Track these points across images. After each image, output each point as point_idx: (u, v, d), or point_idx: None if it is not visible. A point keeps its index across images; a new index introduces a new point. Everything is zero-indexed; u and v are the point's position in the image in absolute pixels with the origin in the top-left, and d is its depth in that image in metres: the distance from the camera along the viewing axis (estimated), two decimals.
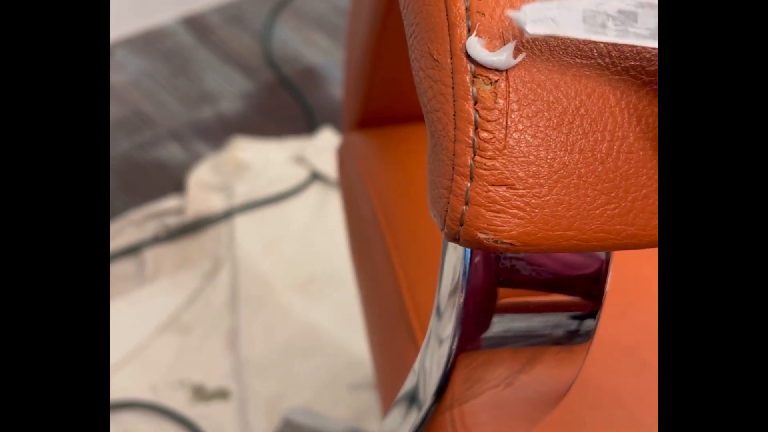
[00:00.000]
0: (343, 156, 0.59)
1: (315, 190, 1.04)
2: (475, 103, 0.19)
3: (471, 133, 0.19)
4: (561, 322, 0.24)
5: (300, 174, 1.05)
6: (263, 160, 1.06)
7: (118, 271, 0.95)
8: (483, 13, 0.19)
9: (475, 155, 0.19)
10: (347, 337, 0.90)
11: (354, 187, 0.55)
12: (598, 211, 0.20)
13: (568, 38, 0.20)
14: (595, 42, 0.19)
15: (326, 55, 1.23)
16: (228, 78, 1.18)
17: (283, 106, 1.15)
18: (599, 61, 0.20)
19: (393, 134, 0.56)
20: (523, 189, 0.19)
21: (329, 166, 1.05)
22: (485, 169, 0.19)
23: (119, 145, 1.08)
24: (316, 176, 1.05)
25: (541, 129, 0.19)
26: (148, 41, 1.23)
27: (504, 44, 0.19)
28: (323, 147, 1.08)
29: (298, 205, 1.03)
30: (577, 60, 0.20)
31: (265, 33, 1.25)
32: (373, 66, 0.53)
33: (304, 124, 1.13)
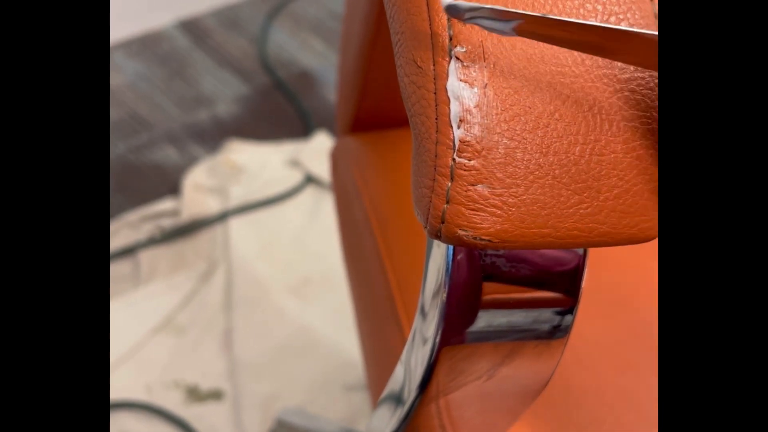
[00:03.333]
0: (337, 159, 0.60)
1: (309, 193, 1.05)
2: (456, 107, 0.20)
3: (452, 136, 0.20)
4: (539, 317, 0.25)
5: (295, 177, 1.06)
6: (258, 163, 1.07)
7: (113, 272, 0.95)
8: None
9: (455, 156, 0.20)
10: (341, 338, 0.90)
11: (347, 190, 0.56)
12: (571, 210, 0.21)
13: (546, 47, 0.21)
14: (570, 51, 0.20)
15: (321, 59, 1.24)
16: (224, 81, 1.19)
17: (278, 109, 1.16)
18: (574, 69, 0.21)
19: (385, 138, 0.57)
20: (501, 188, 0.21)
21: (324, 169, 1.06)
22: (465, 170, 0.20)
23: (115, 148, 1.09)
24: (310, 179, 1.06)
25: (518, 132, 0.21)
26: (145, 44, 1.24)
27: (483, 54, 0.20)
28: (318, 150, 1.09)
29: (292, 208, 1.03)
30: (553, 68, 0.21)
31: (261, 37, 1.26)
32: (367, 71, 0.54)
33: (299, 127, 1.14)
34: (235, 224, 1.00)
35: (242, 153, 1.08)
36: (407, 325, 0.43)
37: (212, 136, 1.12)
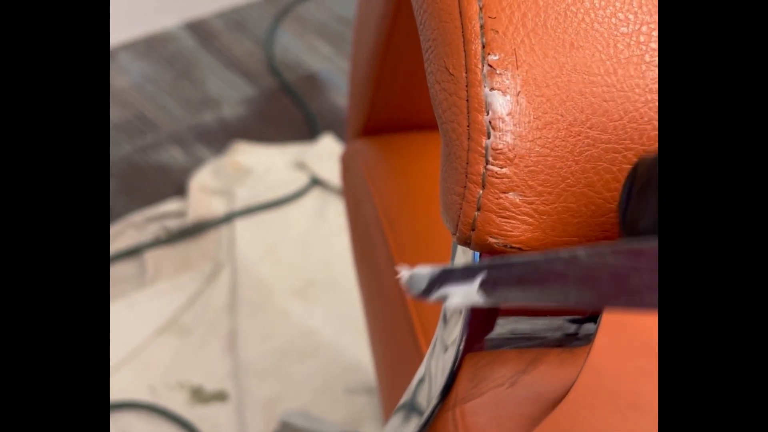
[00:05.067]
0: (347, 162, 0.60)
1: (315, 196, 1.05)
2: (488, 115, 0.21)
3: (484, 143, 0.21)
4: (563, 325, 0.25)
5: (300, 179, 1.06)
6: (264, 165, 1.08)
7: (118, 272, 0.95)
8: (497, 31, 0.21)
9: (487, 164, 0.21)
10: (344, 341, 0.90)
11: (358, 192, 0.56)
12: (602, 219, 0.21)
13: (579, 57, 0.21)
14: (602, 61, 0.21)
15: (327, 62, 1.24)
16: (230, 83, 1.19)
17: (284, 112, 1.16)
18: (606, 78, 0.21)
19: (397, 142, 0.57)
20: (533, 196, 0.21)
21: (329, 172, 1.06)
22: (497, 178, 0.20)
23: (121, 148, 1.09)
24: (316, 182, 1.06)
25: (550, 140, 0.21)
26: (152, 45, 1.24)
27: (516, 62, 0.20)
28: (323, 153, 1.09)
29: (297, 211, 1.04)
30: (585, 77, 0.21)
31: (268, 39, 1.26)
32: (378, 78, 0.54)
33: (305, 130, 1.14)
34: (241, 226, 1.00)
35: (248, 155, 1.08)
36: (419, 327, 0.43)
37: (218, 138, 1.12)
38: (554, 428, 0.38)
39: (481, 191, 0.21)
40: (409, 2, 0.51)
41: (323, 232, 1.01)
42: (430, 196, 0.51)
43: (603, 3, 0.21)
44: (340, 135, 1.13)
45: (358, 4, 0.58)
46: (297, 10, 1.32)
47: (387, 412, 0.50)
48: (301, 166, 1.08)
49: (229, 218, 1.01)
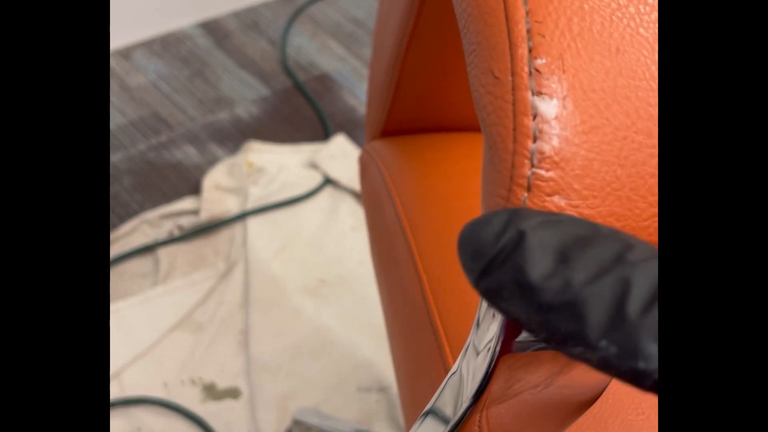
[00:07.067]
0: (366, 162, 0.60)
1: (327, 195, 1.06)
2: (534, 119, 0.21)
3: (530, 147, 0.21)
4: None
5: (313, 179, 1.07)
6: (277, 165, 1.08)
7: (133, 269, 0.96)
8: (543, 35, 0.21)
9: (533, 167, 0.21)
10: (356, 339, 0.91)
11: (378, 193, 0.56)
12: (646, 223, 0.21)
13: (624, 61, 0.21)
14: (647, 65, 0.21)
15: (340, 62, 1.24)
16: (244, 83, 1.20)
17: (297, 111, 1.17)
18: (651, 83, 0.21)
19: (417, 142, 0.58)
20: (578, 200, 0.21)
21: (341, 171, 1.06)
22: (542, 181, 0.21)
23: (136, 147, 1.10)
24: (328, 181, 1.07)
25: (596, 144, 0.21)
26: (167, 45, 1.24)
27: (563, 65, 0.21)
28: (336, 153, 1.09)
29: (310, 209, 1.04)
30: (630, 81, 0.21)
31: (281, 39, 1.27)
32: (399, 78, 0.54)
33: (318, 129, 1.14)
34: (254, 224, 1.01)
35: (261, 154, 1.09)
36: (441, 328, 0.44)
37: (232, 137, 1.12)
38: (578, 430, 0.38)
39: (526, 194, 0.21)
40: (431, 3, 0.51)
41: (335, 230, 1.02)
42: (452, 197, 0.51)
43: (648, 8, 0.21)
44: (353, 135, 1.13)
45: (379, 3, 0.58)
46: (310, 11, 1.32)
47: (406, 411, 0.50)
48: (313, 165, 1.08)
49: (242, 216, 1.01)
